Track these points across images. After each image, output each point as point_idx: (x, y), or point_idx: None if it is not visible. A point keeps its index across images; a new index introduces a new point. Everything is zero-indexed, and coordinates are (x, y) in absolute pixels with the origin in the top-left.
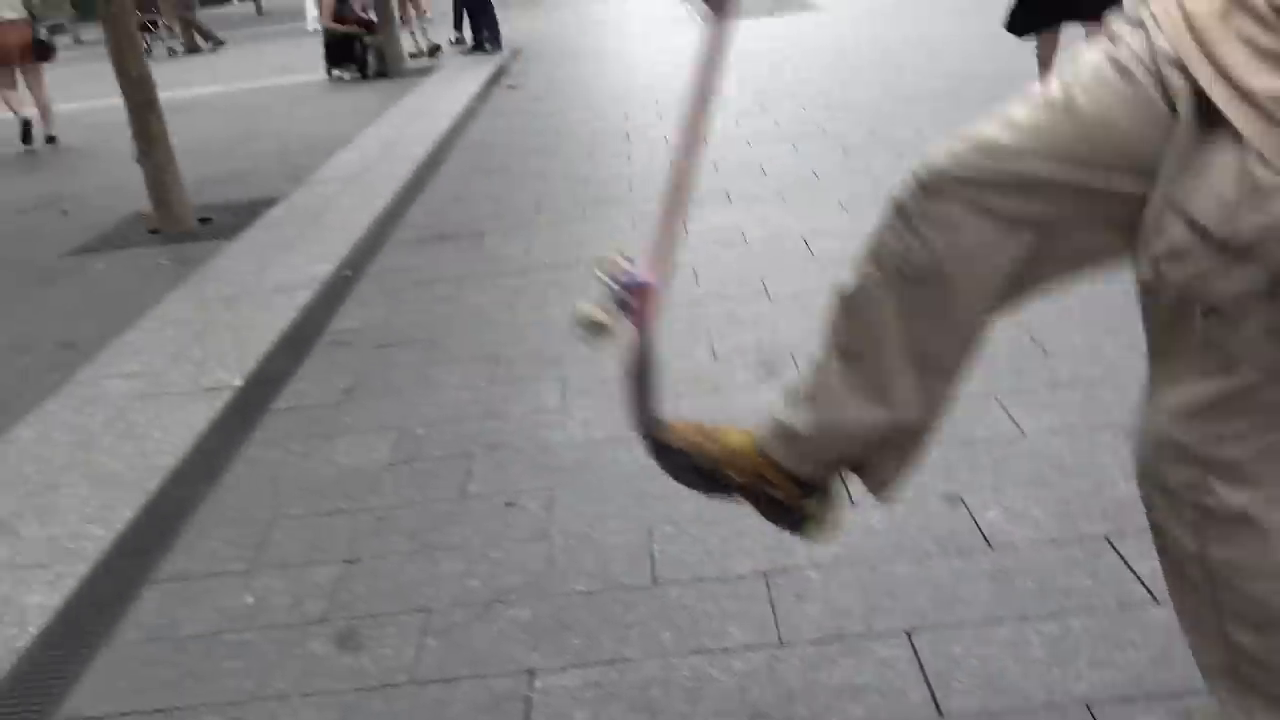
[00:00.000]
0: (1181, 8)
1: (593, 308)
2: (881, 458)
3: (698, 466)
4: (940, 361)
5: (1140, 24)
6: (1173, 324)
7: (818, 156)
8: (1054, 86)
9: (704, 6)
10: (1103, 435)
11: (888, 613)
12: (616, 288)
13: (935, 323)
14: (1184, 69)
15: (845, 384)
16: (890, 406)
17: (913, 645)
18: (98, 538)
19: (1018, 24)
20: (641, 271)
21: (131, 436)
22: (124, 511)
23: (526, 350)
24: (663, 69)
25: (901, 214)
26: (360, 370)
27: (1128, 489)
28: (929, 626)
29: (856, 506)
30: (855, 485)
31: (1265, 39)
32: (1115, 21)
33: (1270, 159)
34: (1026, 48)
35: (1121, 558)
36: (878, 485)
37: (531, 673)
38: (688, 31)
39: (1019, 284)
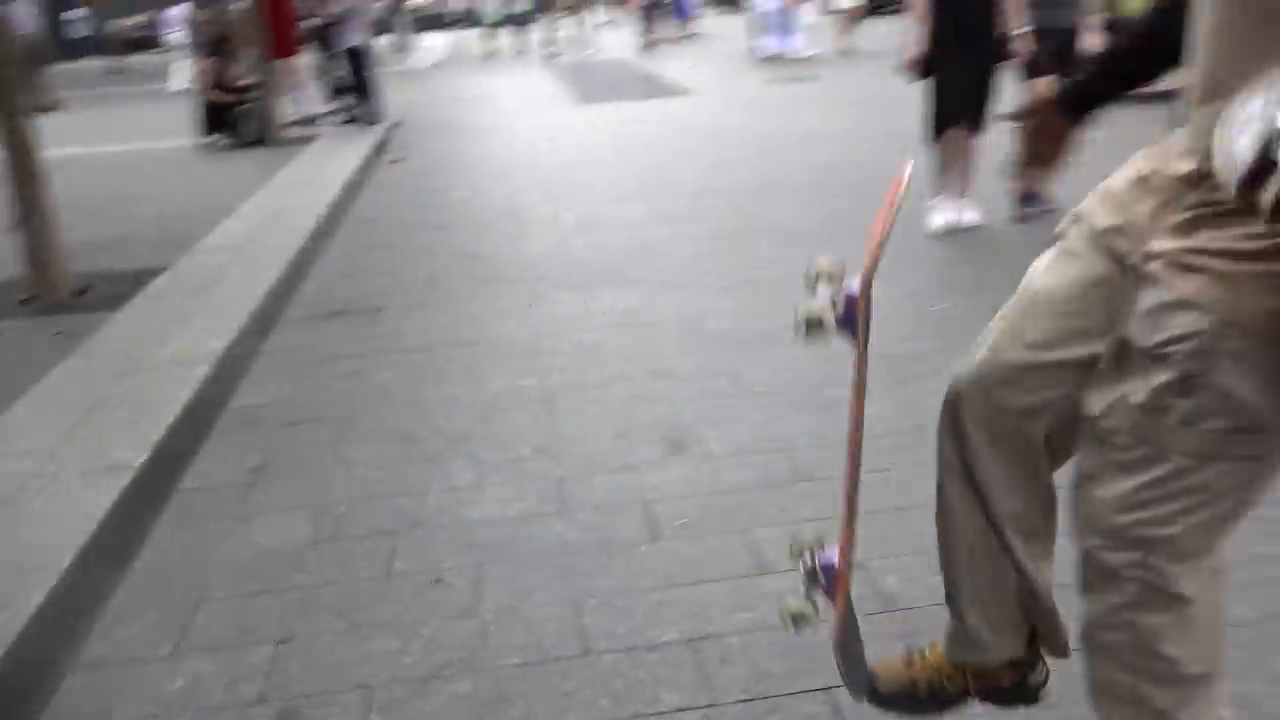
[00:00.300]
0: (1108, 198)
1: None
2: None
3: (918, 697)
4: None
5: (1078, 218)
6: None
7: (701, 240)
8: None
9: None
10: None
11: (808, 673)
12: (813, 571)
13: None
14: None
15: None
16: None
17: (834, 704)
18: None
19: (930, 134)
20: (833, 555)
21: (26, 522)
22: (33, 597)
23: (435, 428)
24: (543, 146)
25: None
26: (268, 448)
27: None
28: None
29: (768, 573)
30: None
31: (1171, 216)
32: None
33: (1171, 290)
34: (893, 140)
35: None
36: (1061, 648)
37: None
38: (564, 110)
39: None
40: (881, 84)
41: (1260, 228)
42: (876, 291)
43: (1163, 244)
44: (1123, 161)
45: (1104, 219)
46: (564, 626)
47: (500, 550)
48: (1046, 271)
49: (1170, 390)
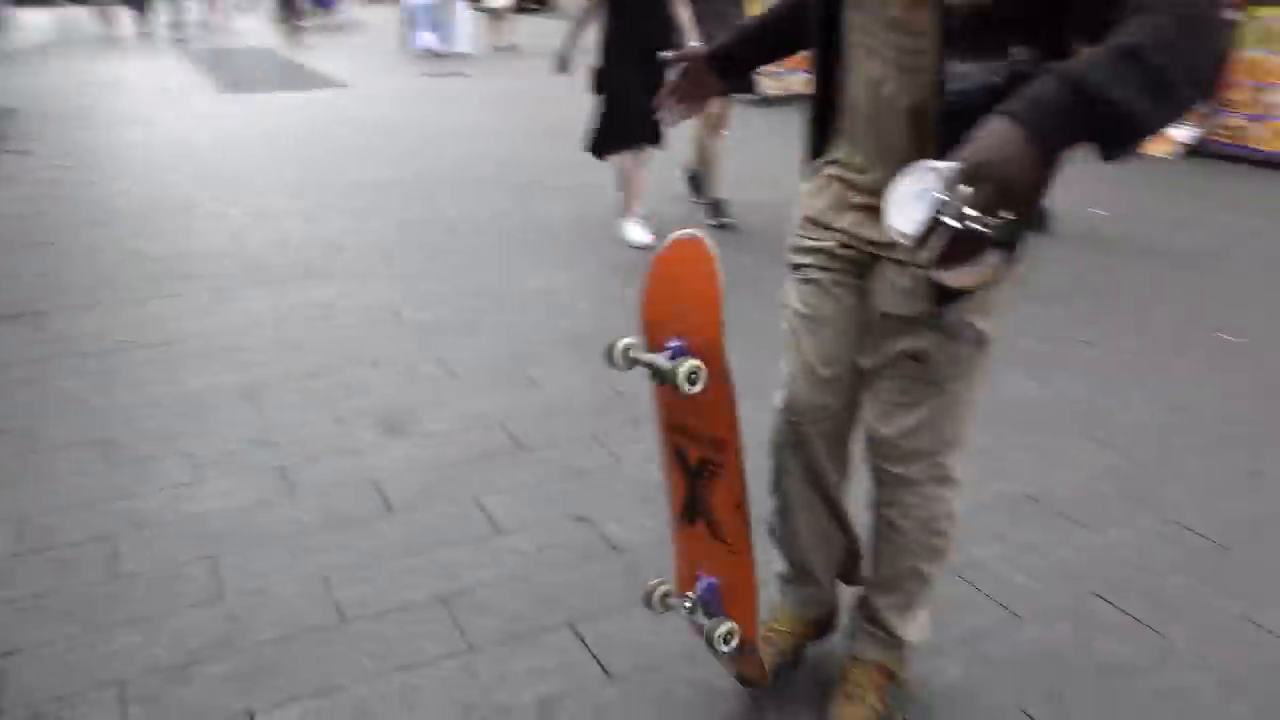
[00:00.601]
0: (821, 222)
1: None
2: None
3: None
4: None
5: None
6: None
7: (383, 233)
8: (787, 319)
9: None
10: None
11: (553, 613)
12: (695, 605)
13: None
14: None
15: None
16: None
17: (577, 633)
18: None
19: (598, 148)
20: (707, 580)
21: None
22: None
23: (139, 431)
24: (195, 138)
25: (774, 449)
26: None
27: None
28: (585, 617)
29: (504, 533)
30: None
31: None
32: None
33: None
34: (553, 136)
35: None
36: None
37: (250, 714)
38: (208, 99)
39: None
40: (535, 82)
41: None
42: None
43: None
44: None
45: (839, 239)
46: (314, 601)
47: (233, 539)
48: (806, 298)
49: (939, 339)
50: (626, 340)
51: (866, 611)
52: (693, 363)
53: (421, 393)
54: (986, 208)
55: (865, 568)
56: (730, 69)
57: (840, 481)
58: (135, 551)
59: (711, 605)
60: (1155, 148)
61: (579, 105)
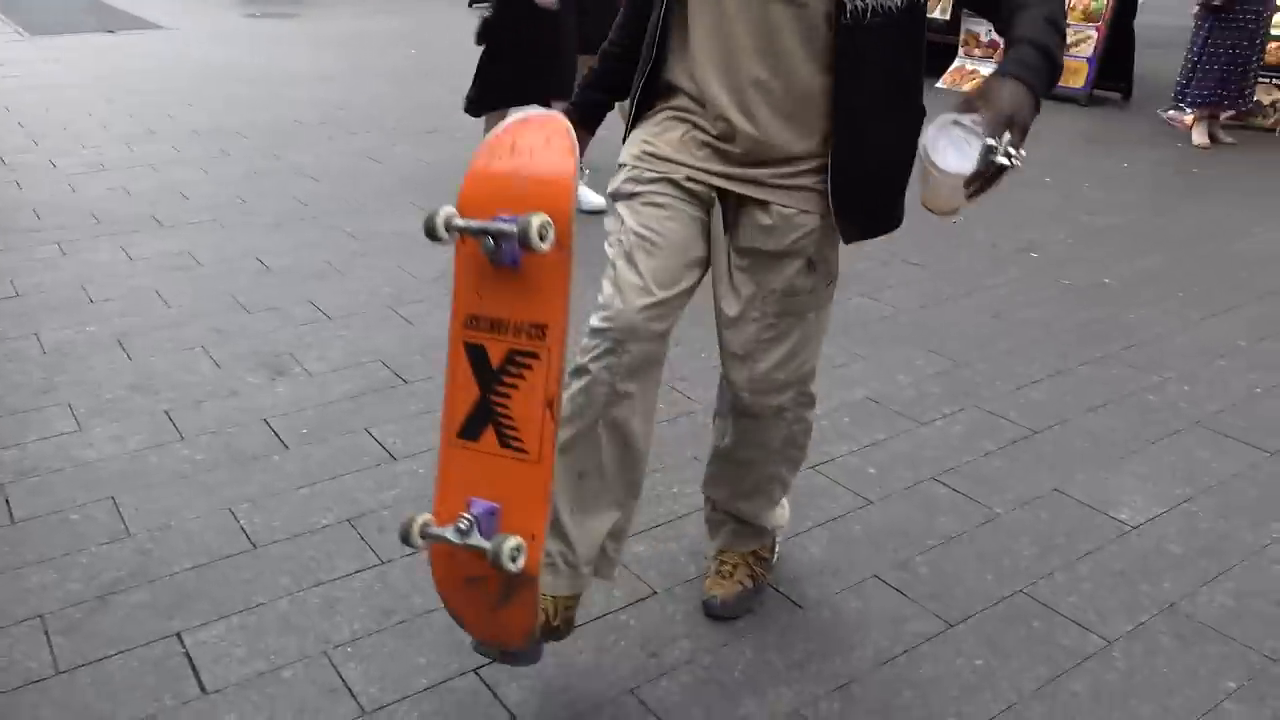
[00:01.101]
0: (666, 158)
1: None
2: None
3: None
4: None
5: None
6: None
7: (233, 182)
8: (618, 241)
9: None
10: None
11: None
12: (470, 527)
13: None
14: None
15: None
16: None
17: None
18: None
19: (475, 108)
20: (481, 505)
21: None
22: None
23: (9, 384)
24: (9, 84)
25: (584, 371)
26: None
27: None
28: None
29: (398, 459)
30: None
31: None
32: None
33: (789, 206)
34: (390, 79)
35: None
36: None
37: (178, 635)
38: (9, 43)
39: None
40: (364, 22)
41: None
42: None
43: (754, 180)
44: None
45: (684, 172)
46: (224, 531)
47: (130, 481)
48: (646, 221)
49: (801, 272)
50: (447, 209)
51: (731, 512)
52: (545, 216)
53: (298, 334)
54: (1016, 146)
55: (720, 488)
56: (595, 118)
57: (645, 433)
58: (29, 499)
59: (487, 527)
60: (966, 84)
61: (418, 46)
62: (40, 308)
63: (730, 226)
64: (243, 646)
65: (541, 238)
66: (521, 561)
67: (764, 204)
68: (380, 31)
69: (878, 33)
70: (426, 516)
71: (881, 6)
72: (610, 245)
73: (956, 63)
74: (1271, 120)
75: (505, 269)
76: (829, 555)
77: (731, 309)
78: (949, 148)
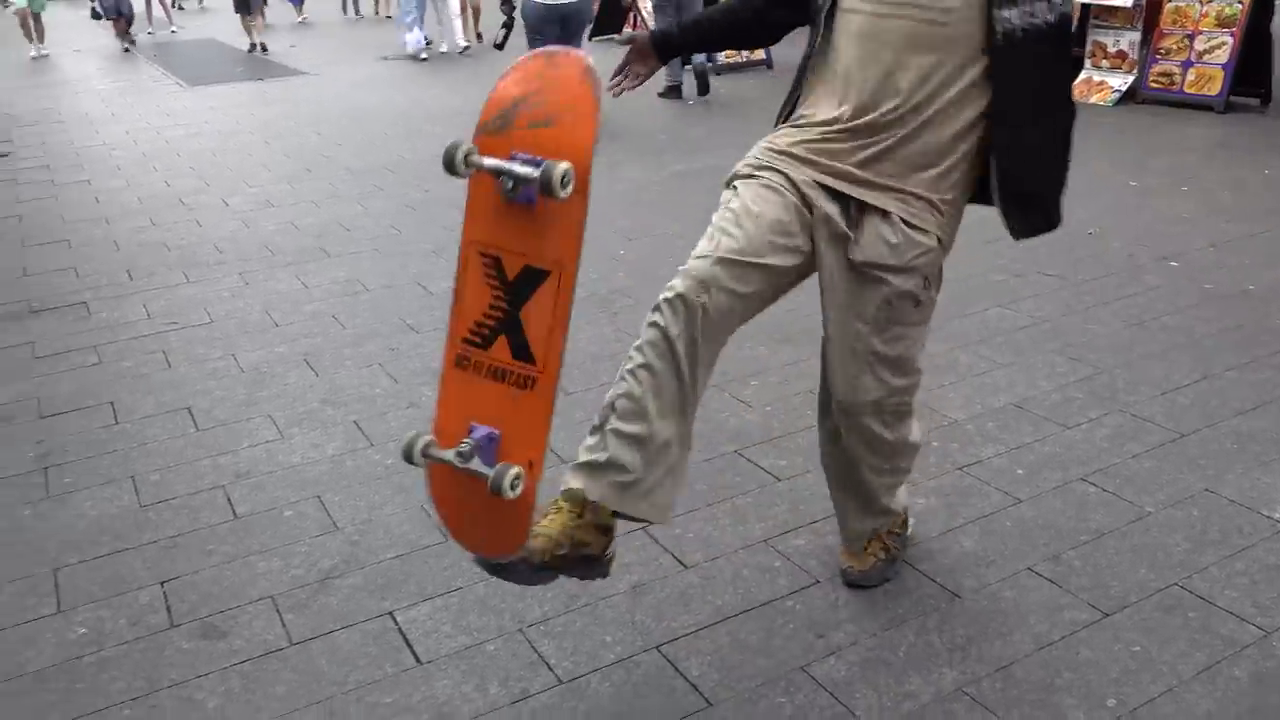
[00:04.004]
0: (794, 156)
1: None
2: (667, 483)
3: (533, 566)
4: (702, 390)
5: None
6: None
7: (390, 214)
8: (736, 201)
9: None
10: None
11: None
12: (471, 450)
13: (703, 367)
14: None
15: (658, 415)
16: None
17: (652, 536)
18: None
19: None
20: (482, 430)
21: None
22: None
23: (215, 399)
24: (173, 133)
25: (672, 306)
26: (42, 439)
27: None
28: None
29: None
30: None
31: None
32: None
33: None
34: None
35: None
36: (663, 512)
37: (391, 614)
38: (175, 94)
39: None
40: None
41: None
42: None
43: (883, 193)
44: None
45: (808, 173)
46: (420, 526)
47: (332, 482)
48: (754, 200)
49: (919, 286)
50: (466, 145)
51: (848, 506)
52: (567, 164)
53: None
54: None
55: (836, 485)
56: (670, 53)
57: (697, 390)
58: (247, 497)
59: (488, 454)
60: (1095, 95)
61: None
62: (234, 332)
63: (848, 239)
64: (448, 624)
65: (563, 185)
66: (520, 489)
67: (887, 216)
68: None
69: (1030, 48)
70: (429, 437)
71: (1031, 25)
72: (718, 217)
73: (1084, 74)
74: None
75: (519, 205)
76: (982, 548)
77: (838, 317)
78: None
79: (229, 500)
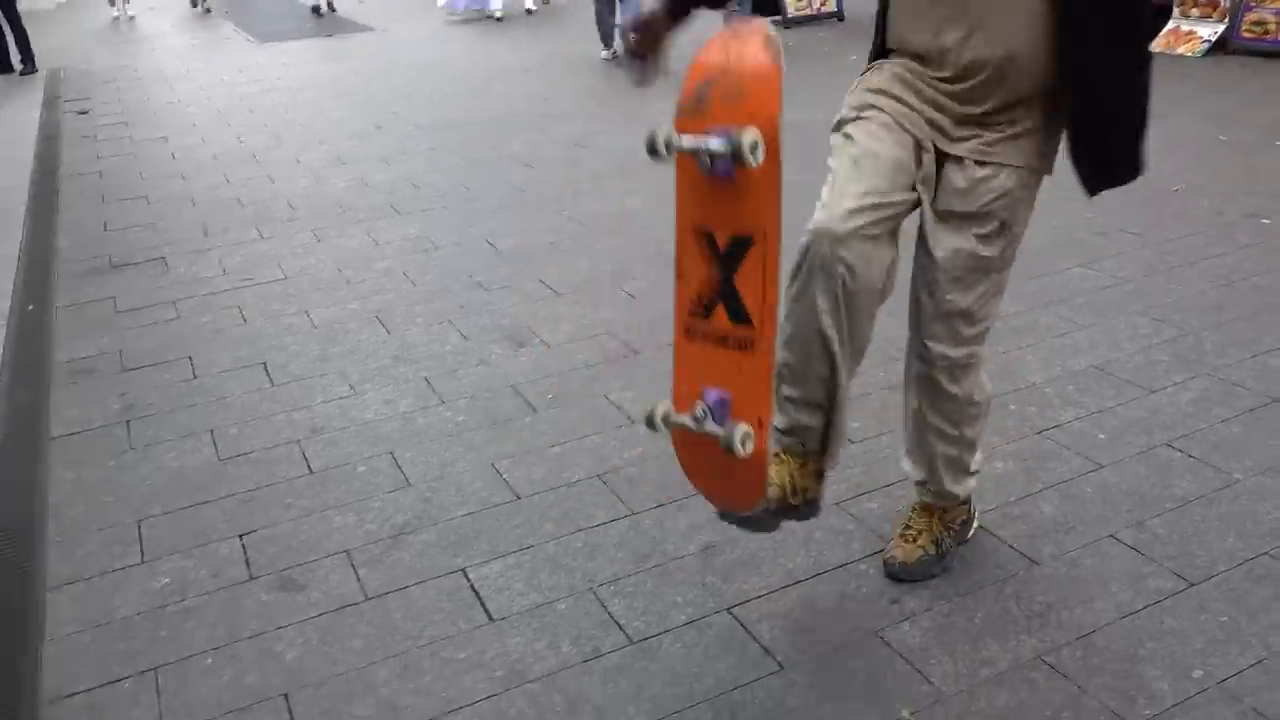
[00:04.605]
0: (892, 98)
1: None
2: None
3: (770, 513)
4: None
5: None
6: None
7: (457, 171)
8: (853, 146)
9: None
10: None
11: None
12: (704, 415)
13: (863, 318)
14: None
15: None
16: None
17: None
18: None
19: None
20: (714, 394)
21: None
22: None
23: (290, 354)
24: (246, 90)
25: (820, 259)
26: (124, 392)
27: None
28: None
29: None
30: None
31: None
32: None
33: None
34: (579, 67)
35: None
36: (833, 459)
37: (463, 571)
38: (246, 51)
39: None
40: (553, 20)
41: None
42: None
43: (962, 138)
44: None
45: (904, 116)
46: (490, 484)
47: (404, 438)
48: (870, 140)
49: (995, 232)
50: (666, 128)
51: (921, 474)
52: (754, 132)
53: (532, 310)
54: None
55: (911, 450)
56: (684, 14)
57: (851, 343)
58: (322, 452)
59: (719, 414)
60: (1182, 45)
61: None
62: (307, 288)
63: (933, 181)
64: (520, 582)
65: (753, 153)
66: (750, 446)
67: (960, 162)
68: (569, 23)
69: None
70: (667, 405)
71: None
72: (836, 158)
73: (1171, 24)
74: None
75: (720, 179)
76: (1062, 514)
77: (917, 261)
78: None
79: (304, 455)
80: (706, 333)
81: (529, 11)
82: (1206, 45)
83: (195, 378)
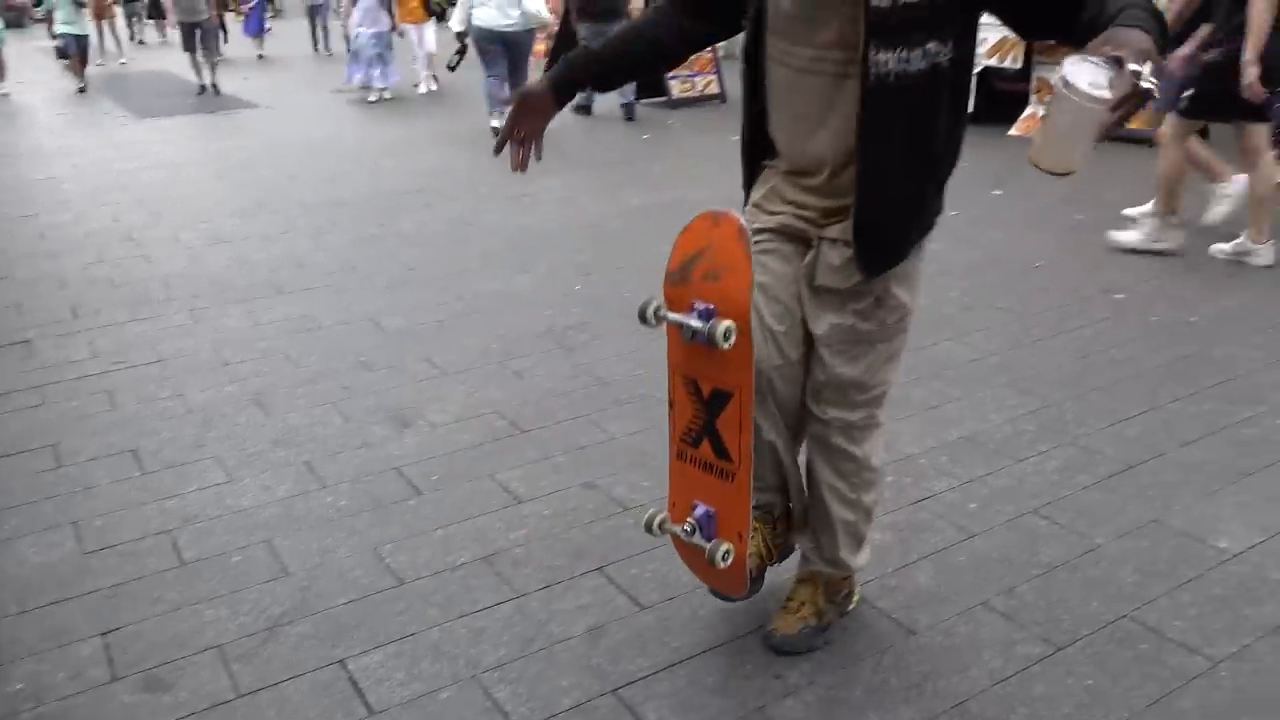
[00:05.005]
0: (767, 207)
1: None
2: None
3: (754, 579)
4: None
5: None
6: None
7: (344, 249)
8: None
9: None
10: None
11: (583, 560)
12: (694, 527)
13: (793, 408)
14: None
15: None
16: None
17: (607, 575)
18: None
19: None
20: (701, 507)
21: None
22: None
23: (161, 440)
24: (123, 166)
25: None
26: None
27: None
28: (611, 563)
29: (524, 502)
30: None
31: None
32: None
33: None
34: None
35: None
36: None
37: (342, 662)
38: (124, 126)
39: None
40: (447, 96)
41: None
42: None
43: (832, 223)
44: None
45: (780, 219)
46: (372, 570)
47: (282, 525)
48: (765, 266)
49: (871, 307)
50: (656, 302)
51: (808, 542)
52: (728, 323)
53: (418, 389)
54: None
55: (802, 517)
56: (572, 93)
57: (790, 440)
58: (194, 542)
59: (707, 529)
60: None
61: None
62: (181, 371)
63: (809, 265)
64: (401, 671)
65: (725, 339)
66: (730, 559)
67: (834, 242)
68: (460, 100)
69: (899, 93)
70: (664, 514)
71: (903, 72)
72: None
73: (1029, 110)
74: None
75: (701, 344)
76: (937, 584)
77: (816, 331)
78: (1090, 78)
79: (175, 546)
80: (695, 458)
81: (427, 92)
82: None
83: (59, 466)
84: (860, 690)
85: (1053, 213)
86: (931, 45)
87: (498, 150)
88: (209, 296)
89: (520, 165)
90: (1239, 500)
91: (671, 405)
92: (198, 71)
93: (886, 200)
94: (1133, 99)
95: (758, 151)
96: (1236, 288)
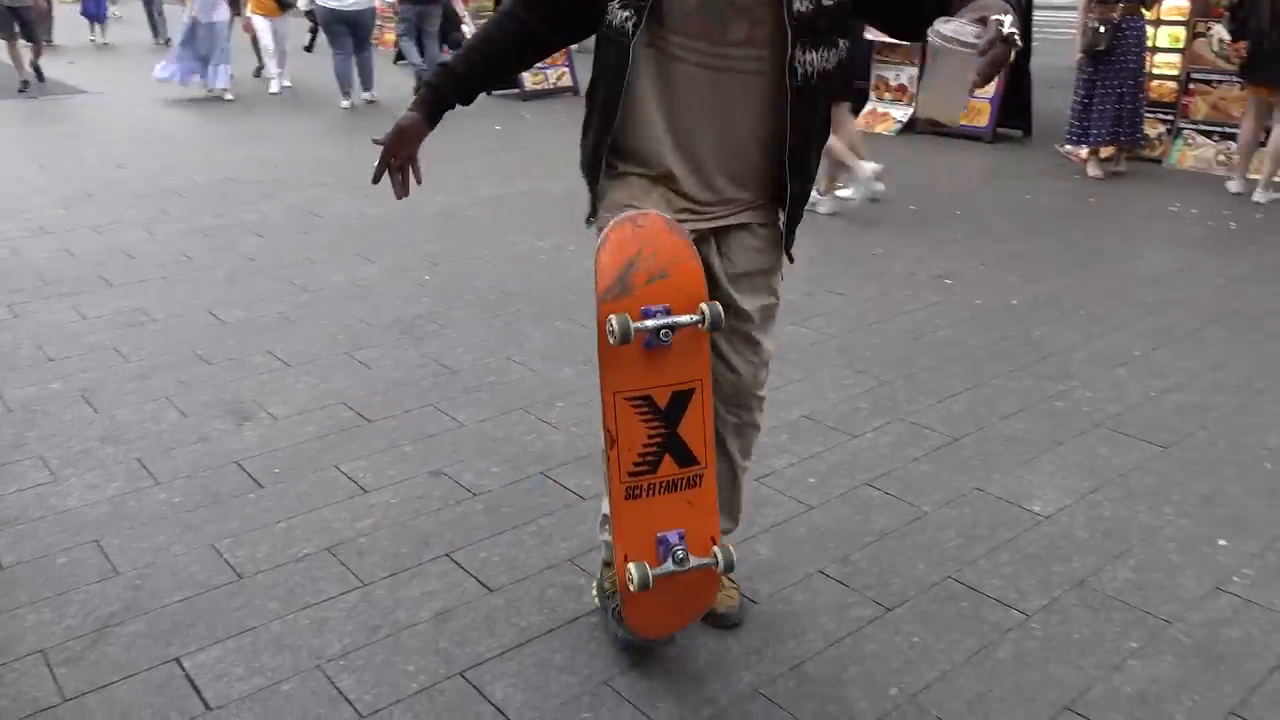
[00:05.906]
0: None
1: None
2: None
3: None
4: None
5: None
6: None
7: (179, 240)
8: None
9: None
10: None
11: (429, 548)
12: (685, 558)
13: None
14: None
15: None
16: None
17: (455, 561)
18: None
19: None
20: (673, 535)
21: None
22: None
23: None
24: None
25: None
26: None
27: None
28: (458, 548)
29: (370, 491)
30: None
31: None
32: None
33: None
34: (331, 141)
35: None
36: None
37: (177, 660)
38: None
39: None
40: (296, 87)
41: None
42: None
43: (739, 213)
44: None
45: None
46: (209, 566)
47: (112, 524)
48: None
49: (778, 279)
50: (623, 318)
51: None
52: (718, 303)
53: (260, 382)
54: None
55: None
56: (444, 110)
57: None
58: (14, 545)
59: (681, 550)
60: (879, 125)
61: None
62: (1, 368)
63: (723, 256)
64: (240, 666)
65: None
66: (734, 555)
67: (746, 227)
68: (311, 86)
69: (820, 88)
70: (643, 566)
71: (824, 69)
72: None
73: (869, 106)
74: (1159, 150)
75: (658, 348)
76: (777, 555)
77: (730, 325)
78: (961, 35)
79: None
80: (653, 484)
81: (280, 91)
82: (899, 125)
83: None
84: (704, 659)
85: (891, 203)
86: (842, 43)
87: (376, 179)
88: (30, 291)
89: (403, 192)
90: (1051, 468)
91: (612, 444)
92: (18, 64)
93: (807, 181)
94: (999, 43)
95: (607, 152)
96: (1054, 274)
